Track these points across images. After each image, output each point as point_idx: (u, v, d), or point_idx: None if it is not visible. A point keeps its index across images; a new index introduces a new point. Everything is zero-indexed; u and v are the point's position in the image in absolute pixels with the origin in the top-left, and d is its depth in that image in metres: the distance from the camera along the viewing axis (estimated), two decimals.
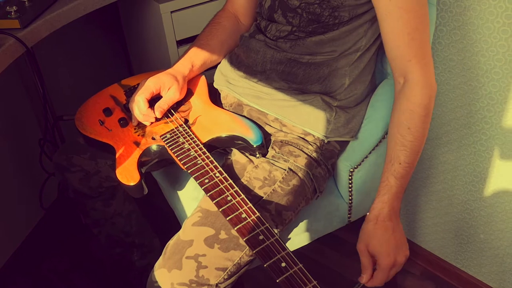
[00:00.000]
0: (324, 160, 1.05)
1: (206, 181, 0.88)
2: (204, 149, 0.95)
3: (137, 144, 1.00)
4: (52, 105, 1.56)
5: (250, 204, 0.83)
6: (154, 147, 1.00)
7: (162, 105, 1.04)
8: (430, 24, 1.02)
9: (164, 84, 1.06)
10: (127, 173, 0.94)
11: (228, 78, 1.11)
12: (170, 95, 1.05)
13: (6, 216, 1.54)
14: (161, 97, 1.06)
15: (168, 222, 1.33)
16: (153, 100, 1.05)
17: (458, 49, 1.17)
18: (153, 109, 1.04)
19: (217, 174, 0.89)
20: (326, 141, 1.02)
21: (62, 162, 1.16)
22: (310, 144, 1.02)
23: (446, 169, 1.34)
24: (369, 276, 0.89)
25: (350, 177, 1.07)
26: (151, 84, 1.04)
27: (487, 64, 1.13)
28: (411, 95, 0.94)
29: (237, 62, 1.11)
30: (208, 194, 0.86)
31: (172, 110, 1.07)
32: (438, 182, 1.38)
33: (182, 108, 1.08)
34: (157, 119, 1.04)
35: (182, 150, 0.95)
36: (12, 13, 1.09)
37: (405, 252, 0.91)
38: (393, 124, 0.96)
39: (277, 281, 0.71)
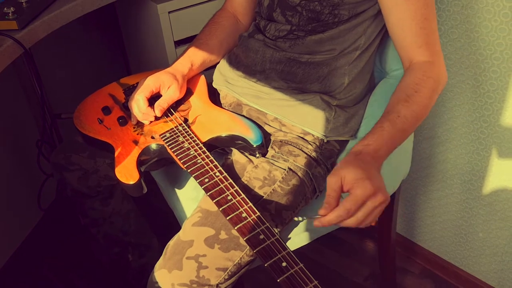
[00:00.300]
0: (324, 160, 1.04)
1: (206, 180, 0.88)
2: (204, 149, 0.95)
3: (136, 143, 1.00)
4: (50, 106, 1.56)
5: (250, 204, 0.83)
6: (153, 146, 0.99)
7: (162, 104, 1.04)
8: None
9: (164, 82, 1.05)
10: (126, 172, 0.94)
11: (227, 77, 1.11)
12: (170, 94, 1.05)
13: (5, 217, 1.53)
14: (161, 96, 1.06)
15: (167, 222, 1.33)
16: (152, 99, 1.05)
17: (455, 47, 1.17)
18: (153, 108, 1.03)
19: (217, 174, 0.89)
20: (325, 140, 1.02)
21: (60, 161, 1.16)
22: (310, 144, 1.02)
23: (444, 168, 1.34)
24: (331, 207, 0.76)
25: None
26: (150, 83, 1.04)
27: (485, 62, 1.13)
28: (424, 67, 0.92)
29: (236, 62, 1.11)
30: (208, 194, 0.86)
31: (171, 109, 1.07)
32: (437, 181, 1.38)
33: (182, 107, 1.08)
34: (156, 118, 1.04)
35: (182, 149, 0.95)
36: (10, 14, 1.09)
37: (383, 193, 0.76)
38: (399, 88, 0.91)
39: (278, 280, 0.71)
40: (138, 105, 1.02)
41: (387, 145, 0.84)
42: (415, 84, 0.91)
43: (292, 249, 0.76)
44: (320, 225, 0.76)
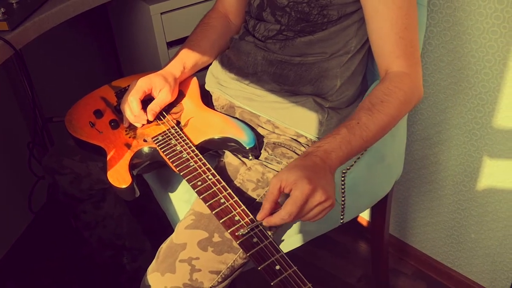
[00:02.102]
0: None
1: (199, 183, 0.88)
2: (197, 151, 0.94)
3: (129, 146, 0.99)
4: (41, 108, 1.54)
5: (243, 207, 0.83)
6: (145, 149, 0.99)
7: (154, 108, 1.03)
8: (420, 25, 1.03)
9: (156, 85, 1.05)
10: (119, 176, 0.93)
11: (220, 80, 1.11)
12: (162, 97, 1.04)
13: None
14: (153, 98, 1.05)
15: (160, 225, 1.32)
16: (144, 102, 1.04)
17: (448, 50, 1.17)
18: (145, 111, 1.03)
19: (210, 177, 0.89)
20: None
21: (52, 164, 1.15)
22: (303, 146, 1.02)
23: (437, 169, 1.35)
24: (267, 212, 0.77)
25: (342, 178, 1.07)
26: (142, 84, 1.04)
27: (477, 64, 1.13)
28: (395, 79, 0.91)
29: (228, 64, 1.10)
30: (201, 197, 0.85)
31: (163, 112, 1.06)
32: (429, 182, 1.39)
33: (174, 110, 1.07)
34: (148, 121, 1.03)
35: (174, 152, 0.94)
36: (0, 15, 1.08)
37: (324, 193, 0.76)
38: (367, 96, 0.91)
39: (272, 284, 0.71)
40: (131, 107, 1.01)
41: (340, 149, 0.83)
42: (383, 94, 0.90)
43: (285, 251, 0.76)
44: (268, 225, 0.78)
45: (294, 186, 0.76)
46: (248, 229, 0.78)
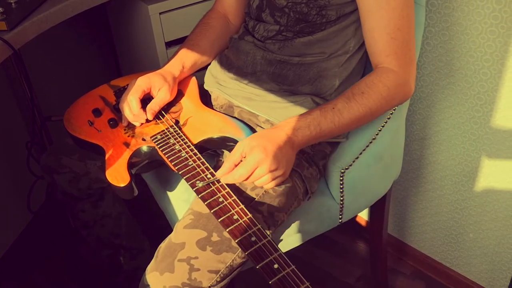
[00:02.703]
0: (315, 161, 1.05)
1: (197, 182, 0.88)
2: (195, 150, 0.94)
3: (127, 145, 0.99)
4: (40, 107, 1.54)
5: (242, 206, 0.83)
6: (144, 148, 0.99)
7: (153, 107, 1.03)
8: (418, 25, 1.03)
9: (155, 84, 1.05)
10: (117, 174, 0.93)
11: (219, 79, 1.11)
12: (161, 96, 1.04)
13: None
14: (152, 98, 1.05)
15: (159, 224, 1.32)
16: (143, 102, 1.04)
17: (446, 49, 1.17)
18: (144, 110, 1.03)
19: (209, 176, 0.89)
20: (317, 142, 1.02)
21: (51, 163, 1.15)
22: None
23: (435, 169, 1.35)
24: (226, 171, 0.86)
25: (341, 178, 1.08)
26: (141, 83, 1.04)
27: (475, 64, 1.14)
28: (381, 74, 0.93)
29: (227, 64, 1.10)
30: (199, 196, 0.85)
31: (162, 111, 1.06)
32: (428, 182, 1.39)
33: (173, 109, 1.08)
34: (147, 120, 1.03)
35: (173, 152, 0.94)
36: None
37: (274, 163, 0.84)
38: (351, 87, 0.94)
39: (270, 282, 0.71)
40: (131, 106, 1.01)
41: (308, 128, 0.89)
42: (366, 86, 0.93)
43: (284, 251, 0.76)
44: (224, 181, 0.86)
45: (250, 151, 0.85)
46: (207, 183, 0.86)
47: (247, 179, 0.85)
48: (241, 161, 0.86)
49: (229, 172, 0.86)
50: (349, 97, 0.92)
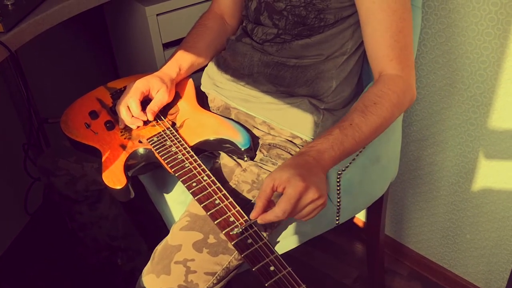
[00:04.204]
0: None
1: (194, 184, 0.88)
2: (192, 152, 0.94)
3: (124, 147, 0.99)
4: (37, 109, 1.54)
5: (238, 208, 0.83)
6: (141, 150, 0.99)
7: (153, 108, 1.03)
8: (415, 26, 1.03)
9: (153, 86, 1.05)
10: (114, 177, 0.93)
11: (216, 81, 1.11)
12: (160, 97, 1.05)
13: None
14: (149, 99, 1.05)
15: (157, 226, 1.32)
16: (142, 104, 1.04)
17: (443, 51, 1.18)
18: (144, 112, 1.03)
19: (205, 178, 0.89)
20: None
21: (48, 165, 1.15)
22: (298, 147, 1.02)
23: (432, 170, 1.35)
24: (260, 210, 0.78)
25: (338, 180, 1.08)
26: (140, 86, 1.04)
27: (472, 66, 1.14)
28: (388, 81, 0.92)
29: (224, 65, 1.11)
30: (195, 198, 0.85)
31: (159, 113, 1.06)
32: (425, 183, 1.39)
33: (170, 111, 1.08)
34: (144, 122, 1.03)
35: (169, 154, 0.94)
36: None
37: (317, 191, 0.77)
38: (361, 98, 0.92)
39: (266, 285, 0.71)
40: (131, 108, 1.01)
41: (333, 149, 0.84)
42: (376, 96, 0.90)
43: (281, 252, 0.76)
44: (262, 222, 0.78)
45: (288, 183, 0.76)
46: (242, 228, 0.78)
47: (290, 214, 0.77)
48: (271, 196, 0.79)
49: (264, 210, 0.78)
50: (363, 110, 0.89)
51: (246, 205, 0.93)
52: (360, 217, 1.65)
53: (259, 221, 0.78)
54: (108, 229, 1.28)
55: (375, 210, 1.29)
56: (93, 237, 1.27)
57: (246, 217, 0.81)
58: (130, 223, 1.33)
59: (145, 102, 1.05)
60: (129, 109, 1.03)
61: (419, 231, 1.49)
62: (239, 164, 0.99)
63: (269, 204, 0.79)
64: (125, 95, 1.04)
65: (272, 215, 0.77)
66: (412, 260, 1.54)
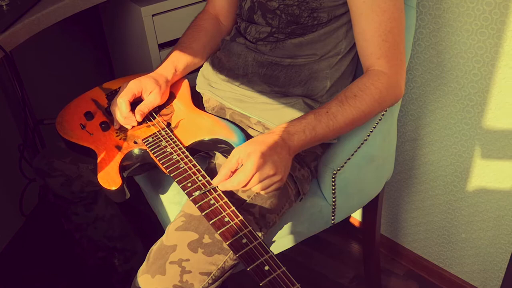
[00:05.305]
0: (307, 163, 1.05)
1: (189, 184, 0.88)
2: (187, 153, 0.94)
3: (119, 148, 0.99)
4: (32, 110, 1.54)
5: (233, 208, 0.83)
6: (136, 151, 0.99)
7: (142, 109, 1.03)
8: (409, 26, 1.04)
9: (146, 87, 1.05)
10: (109, 178, 0.93)
11: (210, 81, 1.11)
12: (151, 99, 1.04)
13: None
14: (142, 100, 1.05)
15: (153, 226, 1.32)
16: (135, 104, 1.04)
17: (437, 51, 1.18)
18: (134, 113, 1.03)
19: (200, 178, 0.89)
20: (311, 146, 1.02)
21: (43, 166, 1.14)
22: None
23: (427, 169, 1.36)
24: (223, 178, 0.84)
25: (333, 179, 1.08)
26: (133, 86, 1.04)
27: (466, 65, 1.14)
28: (373, 77, 0.94)
29: (219, 66, 1.11)
30: (190, 198, 0.86)
31: (154, 114, 1.06)
32: (420, 182, 1.39)
33: (165, 111, 1.08)
34: (139, 123, 1.03)
35: (164, 154, 0.94)
36: None
37: (274, 168, 0.83)
38: (343, 90, 0.95)
39: (260, 284, 0.71)
40: (120, 108, 1.01)
41: (304, 132, 0.89)
42: (358, 89, 0.93)
43: (277, 252, 0.77)
44: (222, 189, 0.85)
45: (247, 157, 0.83)
46: (204, 191, 0.84)
47: (245, 185, 0.83)
48: (237, 168, 0.85)
49: (226, 179, 0.84)
50: (342, 101, 0.92)
51: (241, 205, 0.93)
52: (356, 217, 1.65)
53: (220, 187, 0.85)
54: (104, 230, 1.27)
55: (371, 209, 1.30)
56: (89, 238, 1.27)
57: (241, 217, 0.81)
58: (126, 224, 1.33)
59: (138, 102, 1.05)
60: None
61: (415, 231, 1.49)
62: None
63: (231, 175, 0.85)
64: (118, 95, 1.04)
65: (229, 184, 0.84)
66: (408, 260, 1.54)
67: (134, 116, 1.02)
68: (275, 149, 0.85)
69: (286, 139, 0.87)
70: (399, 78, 0.96)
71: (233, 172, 0.85)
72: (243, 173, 0.82)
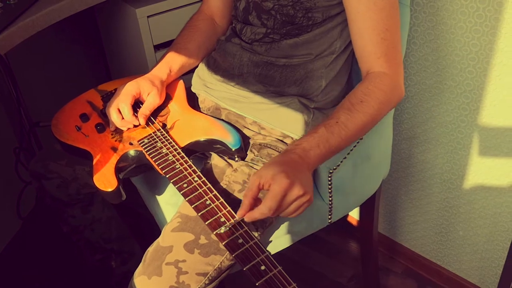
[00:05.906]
0: None
1: (185, 185, 0.88)
2: (183, 154, 0.94)
3: (115, 149, 0.99)
4: (28, 112, 1.53)
5: (229, 208, 0.83)
6: (131, 152, 0.99)
7: (144, 112, 1.03)
8: (404, 24, 1.04)
9: (144, 88, 1.05)
10: (105, 179, 0.93)
11: (206, 82, 1.11)
12: (151, 101, 1.04)
13: None
14: (140, 102, 1.05)
15: (150, 228, 1.32)
16: (132, 107, 1.04)
17: (432, 48, 1.18)
18: (135, 115, 1.03)
19: (196, 178, 0.89)
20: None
21: (39, 169, 1.14)
22: None
23: (424, 167, 1.36)
24: (247, 208, 0.78)
25: (329, 178, 1.08)
26: (131, 89, 1.04)
27: (461, 63, 1.14)
28: (375, 79, 0.92)
29: (214, 66, 1.11)
30: (186, 199, 0.85)
31: (150, 115, 1.06)
32: (417, 180, 1.40)
33: (160, 112, 1.07)
34: (135, 125, 1.03)
35: (160, 155, 0.94)
36: None
37: (302, 188, 0.77)
38: (347, 96, 0.92)
39: (257, 284, 0.71)
40: (124, 114, 1.01)
41: (318, 147, 0.84)
42: (363, 94, 0.91)
43: (274, 252, 0.76)
44: (249, 220, 0.78)
45: (273, 181, 0.77)
46: (229, 227, 0.78)
47: (276, 211, 0.77)
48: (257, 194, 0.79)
49: (251, 209, 0.78)
50: (350, 108, 0.89)
51: (237, 205, 0.93)
52: (354, 216, 1.65)
53: (246, 219, 0.78)
54: (101, 232, 1.27)
55: (368, 208, 1.30)
56: (87, 240, 1.27)
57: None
58: (123, 226, 1.33)
59: (135, 104, 1.05)
60: (119, 111, 1.03)
61: (412, 229, 1.49)
62: (230, 164, 0.99)
63: (256, 203, 0.79)
64: (115, 98, 1.04)
65: (258, 213, 0.77)
66: (406, 258, 1.55)
67: (136, 119, 1.02)
68: (296, 168, 0.79)
69: (303, 156, 0.82)
70: (399, 77, 0.95)
71: (254, 199, 0.79)
72: (272, 198, 0.76)
